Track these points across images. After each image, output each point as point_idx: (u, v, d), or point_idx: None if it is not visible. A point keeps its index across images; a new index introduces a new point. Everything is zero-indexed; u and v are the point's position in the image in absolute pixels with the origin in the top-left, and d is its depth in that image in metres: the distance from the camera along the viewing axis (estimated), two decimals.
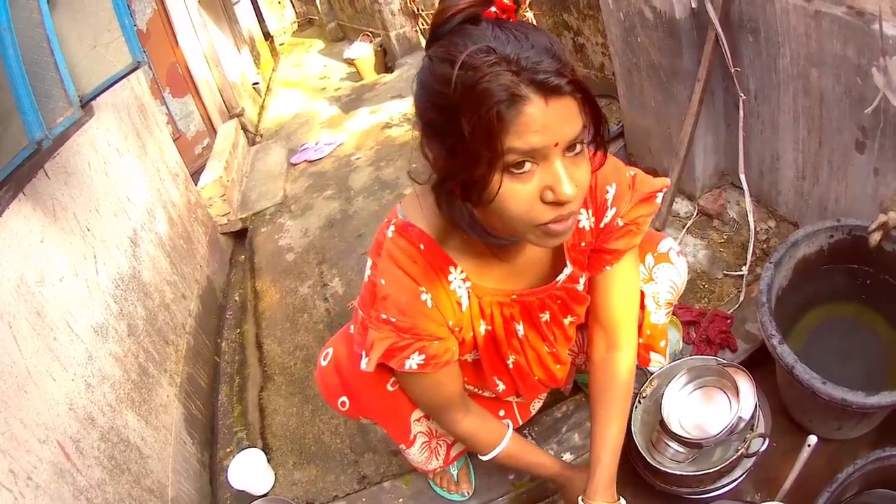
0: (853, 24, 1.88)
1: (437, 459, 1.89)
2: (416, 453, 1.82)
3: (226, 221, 4.71)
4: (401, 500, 2.18)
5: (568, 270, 1.53)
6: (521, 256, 1.45)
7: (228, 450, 2.70)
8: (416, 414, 1.74)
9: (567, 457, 2.10)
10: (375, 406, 1.69)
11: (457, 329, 1.46)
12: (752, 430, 1.82)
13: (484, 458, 1.71)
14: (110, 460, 2.03)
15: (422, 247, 1.34)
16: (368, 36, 8.17)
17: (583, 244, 1.53)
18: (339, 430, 2.62)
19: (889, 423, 1.90)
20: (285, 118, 7.37)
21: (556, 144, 1.04)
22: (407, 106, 6.07)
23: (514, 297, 1.50)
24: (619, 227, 1.51)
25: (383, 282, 1.36)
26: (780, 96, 2.35)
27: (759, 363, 2.07)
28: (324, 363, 1.75)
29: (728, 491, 1.85)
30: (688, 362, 2.03)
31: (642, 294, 1.74)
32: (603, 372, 1.66)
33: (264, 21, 11.89)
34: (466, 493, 2.11)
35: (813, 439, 1.60)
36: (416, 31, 7.78)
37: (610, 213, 1.49)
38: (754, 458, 1.81)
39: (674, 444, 1.87)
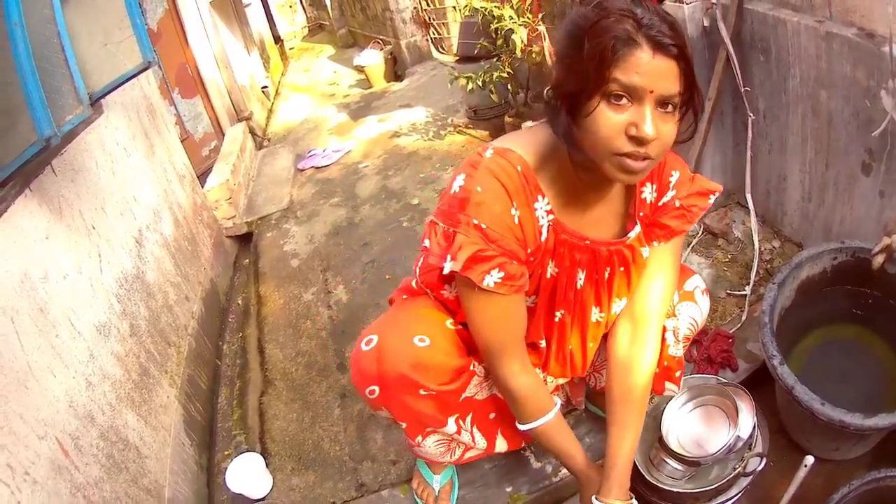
0: (864, 47, 1.89)
1: (451, 457, 1.89)
2: (430, 446, 1.82)
3: (231, 225, 4.72)
4: None
5: (637, 230, 1.62)
6: (600, 206, 1.57)
7: (227, 453, 2.70)
8: (437, 436, 1.78)
9: (565, 471, 2.10)
10: (403, 405, 1.67)
11: (531, 259, 1.53)
12: (749, 449, 1.83)
13: (522, 427, 1.71)
14: (108, 459, 2.02)
15: (519, 168, 1.45)
16: (379, 43, 8.20)
17: (641, 214, 1.63)
18: (338, 437, 2.61)
19: (885, 444, 1.92)
20: (293, 123, 7.39)
21: (652, 92, 1.23)
22: (415, 115, 6.10)
23: (587, 241, 1.57)
24: (676, 207, 1.63)
25: (479, 189, 1.42)
26: (788, 117, 2.36)
27: (760, 382, 2.07)
28: (365, 348, 1.70)
29: None
30: (688, 381, 2.03)
31: (664, 328, 1.78)
32: (624, 371, 1.70)
33: (275, 24, 11.93)
34: None
35: (810, 459, 1.60)
36: (427, 39, 7.81)
37: (670, 194, 1.63)
38: (751, 476, 1.81)
39: (672, 462, 1.87)
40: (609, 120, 1.26)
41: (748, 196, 2.68)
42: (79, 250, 2.30)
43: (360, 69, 8.09)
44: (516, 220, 1.44)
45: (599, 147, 1.29)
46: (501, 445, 1.91)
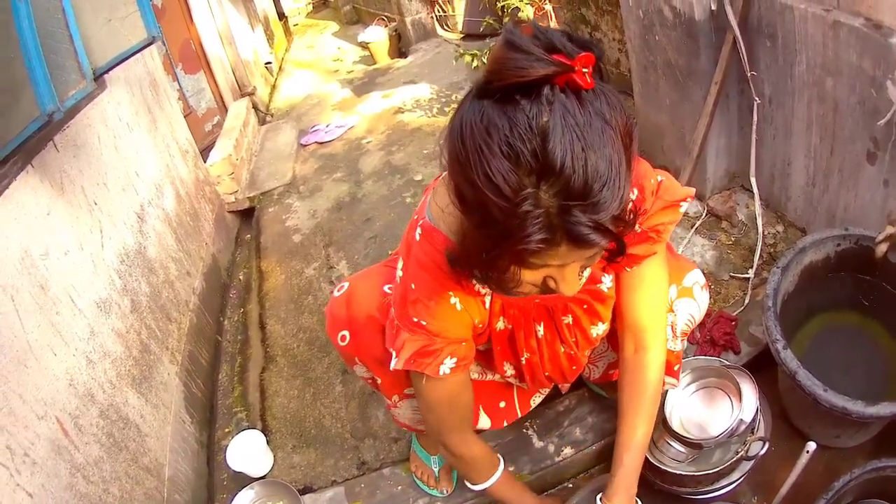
0: (870, 37, 1.88)
1: None
2: (407, 410, 1.82)
3: (233, 200, 4.71)
4: (399, 487, 2.18)
5: (586, 273, 1.44)
6: None
7: (227, 430, 2.71)
8: (413, 400, 1.76)
9: (567, 451, 2.10)
10: (374, 351, 1.66)
11: (480, 325, 1.50)
12: (752, 433, 1.83)
13: (476, 488, 1.77)
14: (108, 438, 2.02)
15: (446, 252, 1.31)
16: (384, 20, 8.15)
17: None
18: (339, 414, 2.61)
19: (886, 433, 1.92)
20: (297, 99, 7.36)
21: (574, 261, 1.05)
22: (420, 91, 6.05)
23: (536, 301, 1.53)
24: (637, 234, 1.43)
25: (413, 286, 1.38)
26: (794, 103, 2.35)
27: (761, 366, 2.07)
28: (337, 294, 1.75)
29: (725, 493, 1.87)
30: (691, 362, 2.04)
31: None
32: (632, 373, 1.64)
33: (279, 1, 11.84)
34: (445, 492, 2.10)
35: (812, 446, 1.60)
36: (432, 17, 7.75)
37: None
38: (753, 461, 1.83)
39: (675, 444, 1.89)
40: (525, 276, 1.09)
41: (752, 180, 2.68)
42: (80, 226, 2.29)
43: (364, 46, 8.05)
44: (458, 307, 1.39)
45: (519, 286, 1.14)
46: (484, 422, 1.89)
